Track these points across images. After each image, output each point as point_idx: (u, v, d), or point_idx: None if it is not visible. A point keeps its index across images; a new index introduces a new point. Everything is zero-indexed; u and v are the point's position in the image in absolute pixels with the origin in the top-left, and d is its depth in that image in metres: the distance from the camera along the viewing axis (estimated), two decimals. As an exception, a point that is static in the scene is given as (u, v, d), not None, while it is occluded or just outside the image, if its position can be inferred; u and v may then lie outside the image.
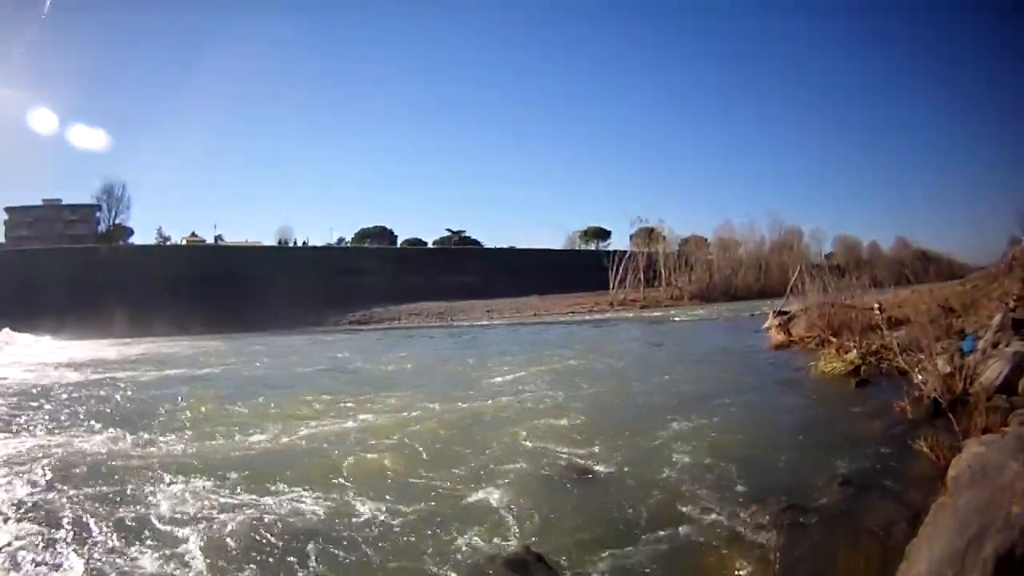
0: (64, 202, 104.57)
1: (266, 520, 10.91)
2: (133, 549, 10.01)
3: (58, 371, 34.87)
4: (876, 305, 22.31)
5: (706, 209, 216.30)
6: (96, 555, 9.80)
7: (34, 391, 26.28)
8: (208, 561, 9.45)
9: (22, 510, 11.56)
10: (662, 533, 9.53)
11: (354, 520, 10.82)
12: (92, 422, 19.25)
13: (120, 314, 69.82)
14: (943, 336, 16.48)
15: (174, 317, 69.19)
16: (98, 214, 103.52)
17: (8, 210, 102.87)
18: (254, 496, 12.14)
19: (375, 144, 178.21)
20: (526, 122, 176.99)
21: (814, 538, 8.80)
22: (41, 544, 10.14)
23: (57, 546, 10.10)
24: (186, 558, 9.64)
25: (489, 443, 15.20)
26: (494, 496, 11.52)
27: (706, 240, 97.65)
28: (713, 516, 10.03)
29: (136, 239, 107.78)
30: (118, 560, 9.64)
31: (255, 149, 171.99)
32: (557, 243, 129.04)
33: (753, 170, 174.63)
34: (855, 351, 20.02)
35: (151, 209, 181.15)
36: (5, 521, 11.00)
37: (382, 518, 10.79)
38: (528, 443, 15.07)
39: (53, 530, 10.69)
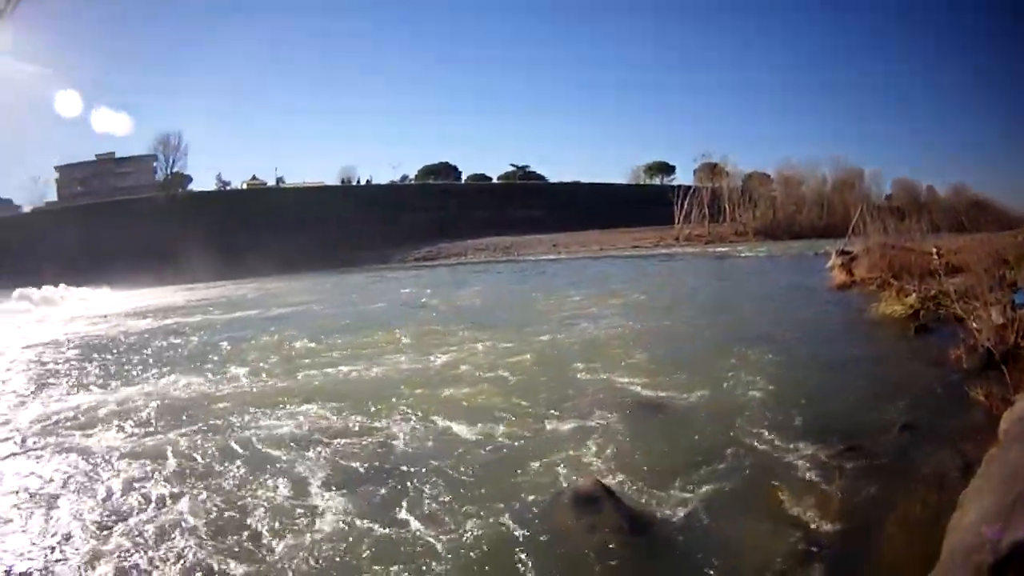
0: (118, 155, 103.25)
1: (367, 444, 11.79)
2: (253, 473, 10.76)
3: (127, 320, 35.81)
4: (934, 250, 22.22)
5: (764, 147, 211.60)
6: (221, 483, 10.47)
7: (98, 342, 27.07)
8: (323, 481, 10.23)
9: (140, 452, 12.12)
10: (726, 468, 9.79)
11: (442, 446, 11.51)
12: (177, 366, 20.07)
13: (181, 261, 70.16)
14: (996, 287, 16.37)
15: (238, 261, 69.74)
16: (155, 164, 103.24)
17: (59, 169, 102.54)
18: (352, 423, 12.99)
19: (437, 80, 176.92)
20: (589, 55, 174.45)
21: (873, 481, 8.93)
22: (167, 479, 10.75)
23: (183, 478, 10.74)
24: (304, 478, 10.40)
25: (562, 375, 15.74)
26: (568, 427, 11.99)
27: (769, 177, 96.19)
28: (777, 453, 10.26)
29: (195, 186, 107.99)
30: (243, 485, 10.36)
31: (314, 90, 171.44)
32: (621, 178, 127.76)
33: (812, 109, 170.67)
34: (914, 295, 19.89)
35: (210, 156, 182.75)
36: (129, 464, 11.49)
37: (467, 446, 11.43)
38: (599, 375, 15.51)
39: (174, 464, 11.37)
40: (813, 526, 7.99)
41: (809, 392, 13.16)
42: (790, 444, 10.49)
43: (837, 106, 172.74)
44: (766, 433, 11.05)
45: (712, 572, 7.11)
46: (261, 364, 19.36)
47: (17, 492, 10.51)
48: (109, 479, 10.87)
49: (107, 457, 11.90)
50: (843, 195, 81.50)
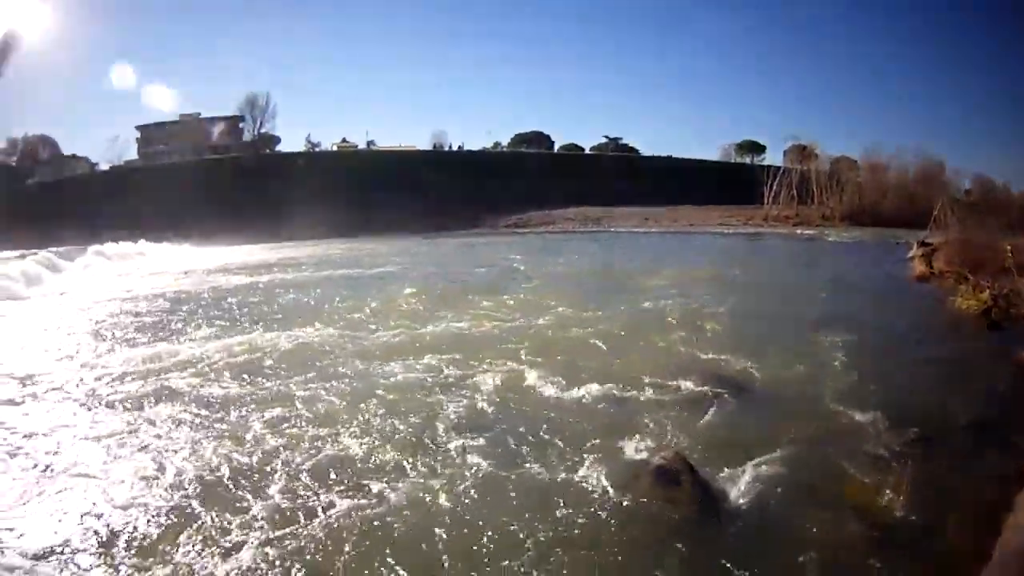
0: (203, 116, 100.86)
1: (480, 395, 12.61)
2: (385, 418, 11.44)
3: (212, 276, 35.17)
4: (1008, 248, 22.01)
5: (850, 132, 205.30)
6: (355, 426, 11.13)
7: (186, 297, 26.89)
8: (449, 425, 11.07)
9: (265, 398, 12.63)
10: (800, 448, 9.95)
11: (544, 403, 12.26)
12: (278, 320, 20.57)
13: (266, 220, 69.35)
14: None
15: (325, 221, 68.80)
16: (241, 125, 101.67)
17: (140, 128, 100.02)
18: (464, 376, 13.77)
19: (532, 49, 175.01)
20: (683, 31, 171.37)
21: (937, 474, 9.08)
22: (301, 422, 11.37)
23: (317, 421, 11.34)
24: (431, 421, 11.24)
25: (651, 346, 16.18)
26: (654, 396, 12.38)
27: (855, 162, 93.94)
28: (849, 437, 10.42)
29: (284, 147, 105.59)
30: (378, 426, 11.07)
31: (407, 55, 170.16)
32: (711, 154, 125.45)
33: (896, 97, 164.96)
34: (988, 292, 19.62)
35: (300, 118, 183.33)
36: (259, 410, 11.94)
37: (565, 406, 12.04)
38: (686, 348, 15.88)
39: (304, 409, 11.93)
40: (877, 513, 8.18)
41: (884, 380, 13.26)
42: (862, 429, 10.68)
43: (922, 96, 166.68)
44: (840, 417, 11.27)
45: (778, 552, 7.41)
46: (365, 319, 19.92)
47: (157, 438, 10.89)
48: (242, 423, 11.40)
49: (231, 404, 12.36)
50: (925, 187, 79.07)
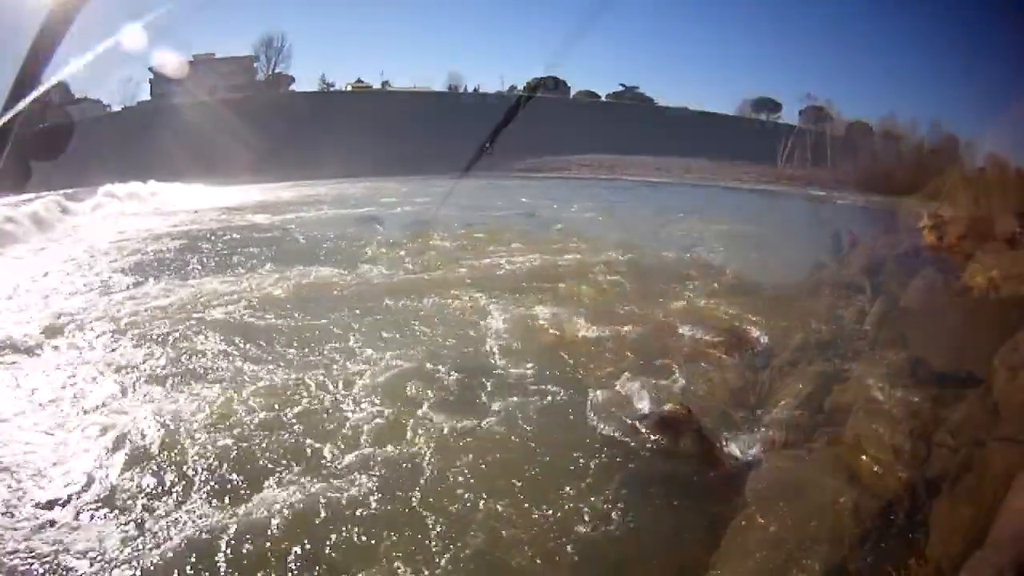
0: (217, 56, 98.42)
1: (525, 326, 13.60)
2: (441, 332, 12.50)
3: (227, 215, 35.50)
4: (1018, 229, 22.16)
5: (865, 100, 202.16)
6: (407, 350, 11.96)
7: (201, 234, 27.03)
8: (492, 337, 12.34)
9: (320, 331, 13.10)
10: (800, 411, 10.16)
11: (558, 339, 13.16)
12: (305, 257, 20.89)
13: (285, 159, 68.52)
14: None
15: (342, 161, 67.91)
16: (256, 65, 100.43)
17: (153, 69, 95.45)
18: (496, 310, 14.55)
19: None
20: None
21: (939, 446, 9.00)
22: (358, 350, 12.03)
23: (371, 343, 12.18)
24: (486, 341, 12.36)
25: (668, 295, 16.85)
26: (666, 345, 12.86)
27: (870, 128, 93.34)
28: (853, 400, 10.40)
29: (297, 87, 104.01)
30: (424, 348, 11.99)
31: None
32: (727, 108, 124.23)
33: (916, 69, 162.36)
34: (996, 271, 19.82)
35: (313, 58, 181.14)
36: (314, 340, 12.53)
37: (579, 346, 12.78)
38: (701, 300, 16.40)
39: (353, 341, 12.51)
40: (875, 483, 8.28)
41: (895, 342, 13.52)
42: (868, 390, 10.65)
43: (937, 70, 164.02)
44: (845, 376, 11.35)
45: (765, 516, 7.53)
46: (391, 259, 20.60)
47: (208, 371, 11.32)
48: (293, 354, 11.93)
49: (274, 336, 12.80)
50: (938, 159, 78.51)
